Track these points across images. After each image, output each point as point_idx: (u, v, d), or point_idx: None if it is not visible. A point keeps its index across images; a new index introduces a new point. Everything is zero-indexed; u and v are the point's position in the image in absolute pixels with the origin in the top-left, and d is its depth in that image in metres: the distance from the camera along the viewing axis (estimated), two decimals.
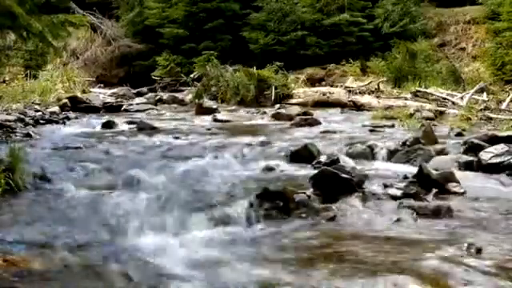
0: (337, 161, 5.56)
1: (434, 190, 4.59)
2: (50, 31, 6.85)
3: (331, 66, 17.21)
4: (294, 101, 12.65)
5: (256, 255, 3.38)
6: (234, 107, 12.31)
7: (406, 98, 11.52)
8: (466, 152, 6.04)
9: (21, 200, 4.48)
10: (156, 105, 13.37)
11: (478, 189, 4.79)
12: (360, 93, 13.10)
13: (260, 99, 12.91)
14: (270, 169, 5.62)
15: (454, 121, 8.92)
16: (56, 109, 11.21)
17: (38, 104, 11.47)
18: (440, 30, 18.03)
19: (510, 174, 5.24)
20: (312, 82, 16.35)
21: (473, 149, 5.98)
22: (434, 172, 4.85)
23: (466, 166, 5.54)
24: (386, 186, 4.61)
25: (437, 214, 4.04)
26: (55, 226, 3.83)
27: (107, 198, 4.52)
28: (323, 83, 16.17)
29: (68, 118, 10.28)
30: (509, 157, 5.42)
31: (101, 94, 14.93)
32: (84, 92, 14.65)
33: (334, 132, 8.07)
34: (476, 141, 6.20)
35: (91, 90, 16.42)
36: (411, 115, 9.38)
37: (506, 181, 5.09)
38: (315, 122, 9.19)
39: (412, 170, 5.13)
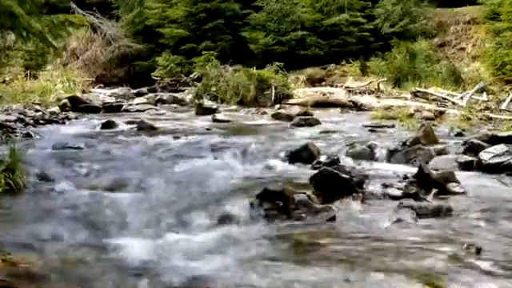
0: (337, 161, 5.56)
1: (434, 190, 4.58)
2: (50, 31, 6.85)
3: (331, 66, 17.22)
4: (293, 101, 12.64)
5: (256, 255, 3.38)
6: (233, 107, 12.30)
7: (405, 98, 11.53)
8: (465, 152, 6.03)
9: (21, 200, 4.48)
10: (156, 105, 13.37)
11: (478, 189, 4.79)
12: (360, 93, 13.11)
13: (260, 99, 12.91)
14: (270, 169, 5.62)
15: (453, 121, 8.92)
16: (56, 109, 11.21)
17: (38, 104, 11.47)
18: (440, 30, 18.02)
19: (510, 174, 5.24)
20: (312, 82, 16.36)
21: (473, 149, 5.97)
22: (434, 172, 4.84)
23: (466, 166, 5.54)
24: (385, 186, 4.61)
25: (437, 213, 4.04)
26: (55, 225, 3.83)
27: (107, 198, 4.52)
28: (323, 83, 16.17)
29: (68, 118, 10.27)
30: (509, 157, 5.41)
31: (101, 94, 14.94)
32: (84, 92, 14.67)
33: (334, 132, 8.06)
34: (476, 141, 6.20)
35: (91, 90, 16.44)
36: (411, 115, 9.38)
37: (506, 181, 5.09)
38: (315, 122, 9.19)
39: (412, 170, 5.12)
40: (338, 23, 17.77)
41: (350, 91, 13.41)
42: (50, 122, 9.65)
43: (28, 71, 14.28)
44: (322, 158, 5.75)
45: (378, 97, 12.32)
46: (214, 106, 11.70)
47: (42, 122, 9.49)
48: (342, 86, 14.59)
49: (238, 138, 7.51)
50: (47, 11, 8.00)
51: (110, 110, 11.88)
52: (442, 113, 9.83)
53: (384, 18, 17.90)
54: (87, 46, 21.95)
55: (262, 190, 4.27)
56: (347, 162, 5.76)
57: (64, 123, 9.72)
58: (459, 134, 7.57)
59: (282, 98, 12.88)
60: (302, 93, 13.32)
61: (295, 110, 10.62)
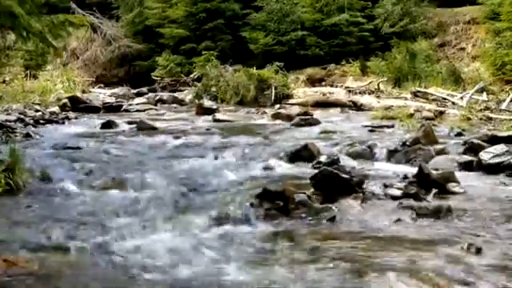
0: (337, 161, 5.55)
1: (434, 190, 4.59)
2: (50, 31, 6.86)
3: (331, 66, 17.22)
4: (293, 101, 12.64)
5: (256, 255, 3.38)
6: (233, 107, 12.31)
7: (406, 98, 11.53)
8: (465, 152, 6.03)
9: (21, 200, 4.48)
10: (156, 105, 13.37)
11: (478, 189, 4.79)
12: (360, 93, 13.11)
13: (260, 99, 12.91)
14: (269, 169, 5.62)
15: (453, 121, 8.92)
16: (56, 109, 11.21)
17: (38, 104, 11.46)
18: (440, 30, 18.02)
19: (509, 174, 5.24)
20: (312, 82, 16.36)
21: (473, 149, 5.98)
22: (434, 172, 4.84)
23: (466, 166, 5.54)
24: (385, 186, 4.61)
25: (437, 214, 4.03)
26: (55, 226, 3.83)
27: (107, 198, 4.52)
28: (323, 83, 16.17)
29: (68, 118, 10.27)
30: (509, 157, 5.42)
31: (101, 94, 14.94)
32: (84, 92, 14.67)
33: (334, 132, 8.06)
34: (476, 141, 6.20)
35: (91, 89, 16.44)
36: (411, 115, 9.38)
37: (506, 181, 5.09)
38: (315, 122, 9.18)
39: (412, 170, 5.12)
40: (338, 23, 17.77)
41: (350, 91, 13.41)
42: (50, 121, 9.65)
43: (28, 71, 14.28)
44: (322, 158, 5.75)
45: (378, 97, 12.32)
46: (214, 106, 11.69)
47: (42, 121, 9.48)
48: (342, 86, 14.60)
49: (238, 137, 7.51)
50: (47, 11, 8.01)
51: (110, 110, 11.88)
52: (442, 113, 9.84)
53: (384, 18, 17.90)
54: (87, 45, 21.94)
55: (262, 189, 4.27)
56: (347, 161, 5.76)
57: (64, 123, 9.71)
58: (459, 134, 7.57)
59: (282, 98, 12.88)
60: (302, 93, 13.32)
61: (295, 110, 10.61)
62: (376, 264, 3.15)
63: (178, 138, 7.63)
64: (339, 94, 12.92)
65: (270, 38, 17.96)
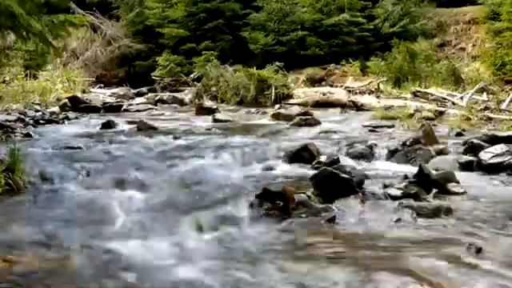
0: (337, 161, 5.56)
1: (434, 190, 4.59)
2: (50, 31, 6.86)
3: (331, 66, 17.21)
4: (293, 101, 12.64)
5: (256, 255, 3.38)
6: (233, 107, 12.31)
7: (405, 98, 11.52)
8: (465, 152, 6.04)
9: (21, 200, 4.48)
10: (156, 105, 13.36)
11: (478, 189, 4.79)
12: (360, 93, 13.10)
13: (260, 99, 12.92)
14: (270, 169, 5.62)
15: (454, 121, 8.92)
16: (56, 109, 11.21)
17: (38, 104, 11.47)
18: (440, 30, 18.03)
19: (510, 174, 5.25)
20: (312, 82, 16.36)
21: (473, 149, 5.98)
22: (434, 172, 4.85)
23: (466, 166, 5.54)
24: (385, 186, 4.61)
25: (437, 213, 4.04)
26: (55, 226, 3.83)
27: (107, 198, 4.52)
28: (323, 83, 16.16)
29: (68, 118, 10.26)
30: (509, 157, 5.42)
31: (101, 94, 14.94)
32: (84, 92, 14.68)
33: (334, 132, 8.06)
34: (476, 141, 6.20)
35: (91, 89, 16.45)
36: (411, 115, 9.38)
37: (506, 181, 5.10)
38: (315, 122, 9.18)
39: (412, 169, 5.12)
40: (338, 23, 17.77)
41: (349, 91, 13.40)
42: (49, 121, 9.64)
43: (28, 71, 14.27)
44: (322, 158, 5.75)
45: (378, 97, 12.31)
46: (214, 106, 11.69)
47: (42, 122, 9.47)
48: (341, 86, 14.58)
49: (238, 137, 7.51)
50: (47, 11, 8.00)
51: (110, 110, 11.87)
52: (441, 113, 9.84)
53: (384, 18, 17.91)
54: (87, 45, 21.92)
55: (262, 189, 4.27)
56: (347, 161, 5.76)
57: (64, 123, 9.71)
58: (459, 134, 7.57)
59: (282, 98, 12.88)
60: (302, 93, 13.31)
61: (295, 110, 10.60)
62: (376, 264, 3.15)
63: (177, 138, 7.62)
64: (339, 94, 12.90)
65: (270, 38, 17.97)
